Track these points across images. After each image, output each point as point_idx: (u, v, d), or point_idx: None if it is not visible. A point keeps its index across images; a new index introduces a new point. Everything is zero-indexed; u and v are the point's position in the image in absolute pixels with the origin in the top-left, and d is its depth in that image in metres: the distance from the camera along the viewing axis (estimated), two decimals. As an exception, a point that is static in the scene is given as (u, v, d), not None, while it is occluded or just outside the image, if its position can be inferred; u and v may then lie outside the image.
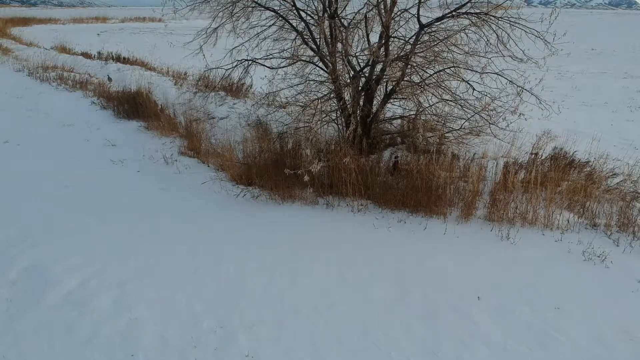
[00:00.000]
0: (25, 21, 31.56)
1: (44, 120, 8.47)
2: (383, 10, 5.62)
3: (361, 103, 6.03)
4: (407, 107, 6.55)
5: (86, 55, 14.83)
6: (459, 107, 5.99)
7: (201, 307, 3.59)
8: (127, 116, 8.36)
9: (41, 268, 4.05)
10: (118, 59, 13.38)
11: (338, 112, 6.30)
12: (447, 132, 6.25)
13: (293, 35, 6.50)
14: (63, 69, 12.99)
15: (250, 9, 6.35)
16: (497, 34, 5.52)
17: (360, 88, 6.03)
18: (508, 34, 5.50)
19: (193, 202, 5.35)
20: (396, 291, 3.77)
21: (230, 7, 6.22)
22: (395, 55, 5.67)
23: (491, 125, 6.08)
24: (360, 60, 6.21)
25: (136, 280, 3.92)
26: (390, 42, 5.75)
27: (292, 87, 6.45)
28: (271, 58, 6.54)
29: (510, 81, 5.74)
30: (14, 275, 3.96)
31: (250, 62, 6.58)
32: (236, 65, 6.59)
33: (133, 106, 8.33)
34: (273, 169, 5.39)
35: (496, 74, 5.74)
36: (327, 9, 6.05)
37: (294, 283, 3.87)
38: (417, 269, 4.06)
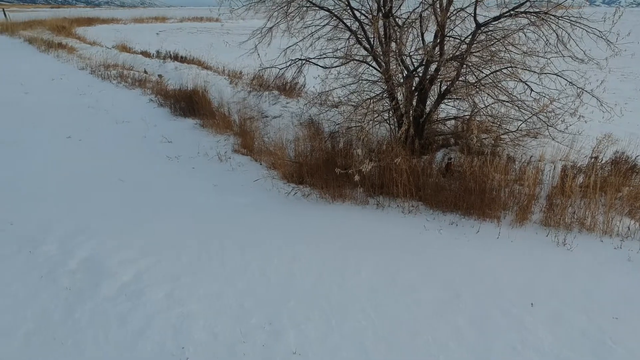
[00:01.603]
0: (89, 21, 32.72)
1: (104, 116, 8.76)
2: (439, 9, 5.54)
3: (414, 103, 5.96)
4: (461, 108, 6.43)
5: (145, 54, 15.24)
6: (516, 108, 5.84)
7: (250, 303, 3.63)
8: (183, 114, 8.55)
9: (98, 259, 4.18)
10: (176, 57, 13.70)
11: (390, 112, 6.25)
12: (502, 134, 6.10)
13: (347, 34, 6.48)
14: (123, 67, 13.40)
15: (304, 8, 6.37)
16: (557, 34, 5.35)
17: (413, 88, 5.97)
18: (569, 34, 5.32)
19: (245, 199, 5.42)
20: (446, 294, 3.71)
21: (285, 7, 6.27)
22: (451, 55, 5.58)
23: (549, 128, 5.90)
24: (414, 60, 6.14)
25: (188, 274, 4.00)
26: (445, 42, 5.66)
27: (344, 86, 6.44)
28: (324, 57, 6.55)
29: (570, 82, 5.55)
30: (73, 266, 4.11)
31: (303, 61, 6.60)
32: (290, 65, 6.63)
33: (189, 104, 8.51)
34: (324, 168, 5.40)
35: (555, 74, 5.56)
36: (382, 8, 6.01)
37: (342, 283, 3.86)
38: (468, 272, 3.98)
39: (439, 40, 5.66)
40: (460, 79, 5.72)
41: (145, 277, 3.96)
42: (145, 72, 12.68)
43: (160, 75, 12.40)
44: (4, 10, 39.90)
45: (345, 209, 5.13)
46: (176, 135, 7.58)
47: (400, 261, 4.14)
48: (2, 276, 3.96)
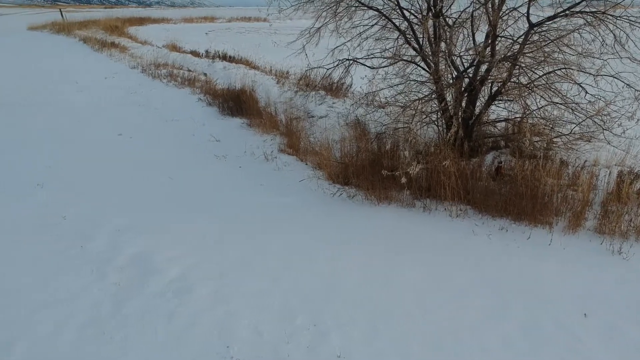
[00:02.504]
0: (141, 21, 33.49)
1: (154, 115, 8.94)
2: (490, 9, 5.42)
3: (463, 104, 5.85)
4: (512, 110, 6.27)
5: (194, 53, 15.48)
6: (570, 110, 5.64)
7: (295, 303, 3.62)
8: (231, 113, 8.64)
9: (146, 256, 4.25)
10: (224, 57, 13.86)
11: (438, 113, 6.15)
12: (555, 137, 5.92)
13: (395, 34, 6.42)
14: (173, 66, 13.65)
15: (353, 8, 6.34)
16: (614, 34, 5.15)
17: (463, 89, 5.86)
18: (627, 35, 5.12)
19: (290, 198, 5.43)
20: (494, 301, 3.61)
21: (334, 7, 6.24)
22: (503, 56, 5.44)
23: (605, 131, 5.68)
24: (464, 61, 6.03)
25: (233, 272, 4.02)
26: (497, 42, 5.54)
27: (392, 87, 6.38)
28: (372, 58, 6.50)
29: (627, 85, 5.34)
30: (122, 261, 4.19)
31: (351, 61, 6.57)
32: (337, 65, 6.61)
33: (237, 103, 8.60)
34: (370, 169, 5.36)
35: (612, 76, 5.35)
36: (432, 7, 5.92)
37: (388, 285, 3.81)
38: (518, 279, 3.87)
39: (490, 40, 5.54)
40: (512, 80, 5.59)
41: (191, 274, 4.01)
42: (189, 70, 12.89)
43: (205, 74, 12.60)
44: (61, 11, 41.27)
45: (391, 211, 5.08)
46: (224, 134, 7.66)
47: (448, 266, 4.06)
48: (57, 270, 4.06)
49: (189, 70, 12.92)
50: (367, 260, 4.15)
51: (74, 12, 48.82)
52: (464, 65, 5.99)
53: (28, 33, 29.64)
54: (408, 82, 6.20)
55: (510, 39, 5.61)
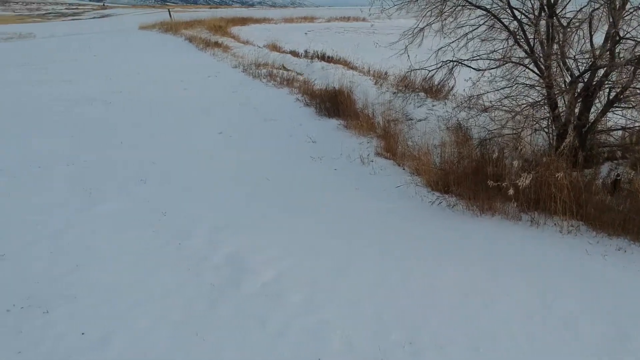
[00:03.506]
0: (243, 21, 34.35)
1: (253, 114, 9.05)
2: (612, 8, 4.97)
3: (576, 111, 5.43)
4: (631, 118, 5.75)
5: (294, 53, 15.63)
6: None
7: (390, 317, 3.46)
8: (328, 114, 8.58)
9: (241, 256, 4.25)
10: (322, 57, 13.87)
11: (549, 119, 5.74)
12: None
13: (503, 35, 6.08)
14: (273, 66, 13.83)
15: (459, 7, 6.07)
16: None
17: (577, 94, 5.43)
18: None
19: (386, 204, 5.25)
20: (611, 331, 3.26)
21: (440, 6, 6.00)
22: (625, 59, 4.98)
23: None
24: (579, 64, 5.59)
25: (327, 279, 3.91)
26: (619, 44, 5.08)
27: (497, 90, 6.04)
28: (478, 59, 6.19)
29: None
30: (217, 260, 4.21)
31: (456, 63, 6.29)
32: (441, 66, 6.36)
33: (334, 104, 8.52)
34: (472, 178, 5.08)
35: None
36: (545, 7, 5.55)
37: (490, 306, 3.55)
38: (638, 307, 3.49)
39: (609, 42, 5.09)
40: (633, 85, 5.10)
41: (285, 278, 3.95)
42: (284, 68, 13.00)
43: (299, 73, 12.65)
44: (169, 11, 43.29)
45: (495, 224, 4.77)
46: (320, 135, 7.61)
47: (558, 287, 3.73)
48: (155, 266, 4.14)
49: (287, 70, 13.02)
50: (468, 276, 3.90)
51: (181, 12, 51.02)
52: (579, 69, 5.56)
53: (139, 32, 31.29)
54: (516, 85, 5.85)
55: (635, 40, 5.13)
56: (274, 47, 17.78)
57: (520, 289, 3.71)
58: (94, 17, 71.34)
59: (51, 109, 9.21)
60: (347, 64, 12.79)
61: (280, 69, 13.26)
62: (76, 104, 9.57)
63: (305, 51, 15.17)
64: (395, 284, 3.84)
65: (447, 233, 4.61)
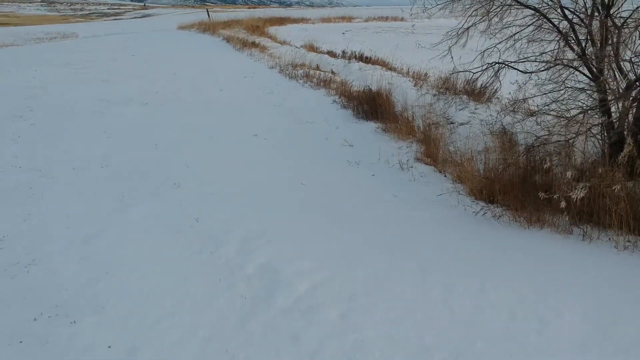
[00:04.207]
0: (281, 21, 34.32)
1: (289, 116, 8.88)
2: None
3: (630, 117, 5.08)
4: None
5: (331, 54, 15.42)
6: None
7: (431, 339, 3.22)
8: (365, 117, 8.35)
9: (274, 267, 4.06)
10: (360, 58, 13.62)
11: (601, 126, 5.40)
12: None
13: (552, 36, 5.76)
14: (309, 67, 13.66)
15: (506, 7, 5.77)
16: None
17: (632, 99, 5.08)
18: None
19: (427, 214, 5.00)
20: (679, 363, 2.97)
21: (487, 5, 5.71)
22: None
23: None
24: (635, 67, 5.23)
25: (364, 295, 3.70)
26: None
27: (545, 94, 5.72)
28: (525, 61, 5.88)
29: None
30: (250, 271, 4.03)
31: (502, 65, 5.98)
32: (486, 68, 6.06)
33: (372, 107, 8.29)
34: (520, 187, 4.79)
35: None
36: (598, 6, 5.21)
37: (541, 328, 3.28)
38: None
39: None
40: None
41: (320, 292, 3.75)
42: (318, 68, 12.80)
43: (333, 72, 12.44)
44: (208, 11, 43.65)
45: (544, 237, 4.47)
46: (357, 139, 7.39)
47: (615, 310, 3.43)
48: (186, 276, 3.99)
49: (323, 71, 12.83)
50: (516, 294, 3.63)
51: (220, 12, 51.44)
52: (635, 73, 5.21)
53: (177, 32, 31.57)
54: (565, 89, 5.53)
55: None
56: (311, 48, 17.61)
57: (573, 312, 3.43)
58: (134, 17, 72.67)
59: (88, 109, 9.21)
60: (385, 65, 12.52)
61: (316, 69, 13.07)
62: (113, 105, 9.56)
63: (343, 51, 14.94)
64: (436, 301, 3.60)
65: (493, 246, 4.34)
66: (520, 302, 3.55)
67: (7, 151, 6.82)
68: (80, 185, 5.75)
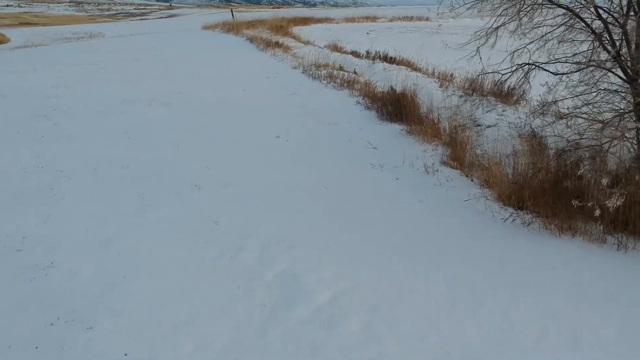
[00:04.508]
0: (305, 21, 34.25)
1: (312, 117, 8.75)
2: None
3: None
4: None
5: (355, 54, 15.26)
6: None
7: (458, 354, 3.07)
8: (390, 118, 8.19)
9: (295, 274, 3.95)
10: (385, 58, 13.44)
11: (637, 130, 5.17)
12: None
13: (584, 36, 5.55)
14: (333, 67, 13.53)
15: (537, 6, 5.56)
16: None
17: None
18: None
19: (453, 220, 4.83)
20: None
21: (518, 4, 5.51)
22: None
23: None
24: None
25: (387, 305, 3.56)
26: None
27: (576, 96, 5.51)
28: (556, 62, 5.67)
29: None
30: (269, 278, 3.92)
31: (532, 66, 5.78)
32: (515, 70, 5.86)
33: (396, 108, 8.12)
34: (551, 193, 4.60)
35: None
36: (635, 5, 4.99)
37: (576, 345, 3.11)
38: None
39: None
40: None
41: (341, 301, 3.62)
42: (342, 69, 12.66)
43: (355, 72, 12.29)
44: (232, 11, 43.79)
45: (577, 247, 4.27)
46: (381, 141, 7.23)
47: (653, 327, 3.25)
48: (204, 281, 3.90)
49: (347, 71, 12.69)
50: (547, 309, 3.46)
51: (244, 12, 51.57)
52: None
53: (201, 32, 31.73)
54: (598, 91, 5.31)
55: None
56: (335, 48, 17.46)
57: (609, 329, 3.25)
58: (160, 17, 73.40)
59: (110, 109, 9.19)
60: (410, 65, 12.32)
61: (340, 70, 12.93)
62: (135, 105, 9.54)
63: (367, 52, 14.77)
64: (464, 314, 3.45)
65: (523, 256, 4.16)
66: (552, 317, 3.38)
67: (30, 151, 6.82)
68: (101, 186, 5.70)
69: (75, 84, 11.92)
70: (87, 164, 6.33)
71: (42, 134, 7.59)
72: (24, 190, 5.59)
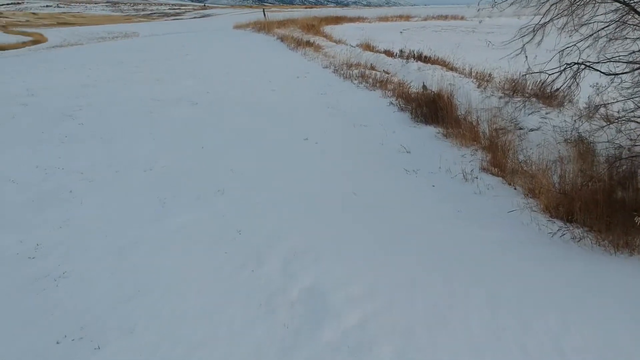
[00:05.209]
0: (337, 20, 33.84)
1: (342, 118, 8.40)
2: None
3: None
4: None
5: (388, 53, 14.84)
6: None
7: (505, 393, 2.71)
8: (425, 120, 7.78)
9: (322, 291, 3.62)
10: (419, 57, 12.99)
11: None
12: None
13: (637, 33, 5.10)
14: (365, 66, 13.14)
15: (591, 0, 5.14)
16: None
17: None
18: None
19: (496, 233, 4.41)
20: None
21: (569, -1, 5.10)
22: None
23: None
24: None
25: (423, 328, 3.21)
26: None
27: (629, 98, 5.06)
28: (607, 62, 5.22)
29: None
30: (294, 295, 3.60)
31: (582, 66, 5.33)
32: (564, 70, 5.42)
33: (432, 109, 7.70)
34: (605, 205, 4.17)
35: None
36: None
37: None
38: None
39: None
40: None
41: (372, 324, 3.28)
42: (373, 68, 12.27)
43: (385, 71, 11.88)
44: (264, 10, 43.71)
45: (634, 265, 3.83)
46: (415, 144, 6.82)
47: None
48: (223, 297, 3.60)
49: (380, 71, 12.30)
50: (605, 338, 3.06)
51: (276, 12, 51.53)
52: None
53: (233, 31, 31.63)
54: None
55: None
56: (367, 47, 17.05)
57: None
58: (194, 17, 74.05)
59: (137, 109, 8.99)
60: (445, 65, 11.85)
61: (372, 69, 12.55)
62: (162, 105, 9.32)
63: (401, 51, 14.33)
64: (509, 341, 3.08)
65: (575, 275, 3.74)
66: (610, 347, 3.00)
67: (52, 152, 6.63)
68: (121, 190, 5.46)
69: (103, 83, 11.82)
70: (109, 166, 6.11)
71: (66, 134, 7.42)
72: (42, 193, 5.38)
